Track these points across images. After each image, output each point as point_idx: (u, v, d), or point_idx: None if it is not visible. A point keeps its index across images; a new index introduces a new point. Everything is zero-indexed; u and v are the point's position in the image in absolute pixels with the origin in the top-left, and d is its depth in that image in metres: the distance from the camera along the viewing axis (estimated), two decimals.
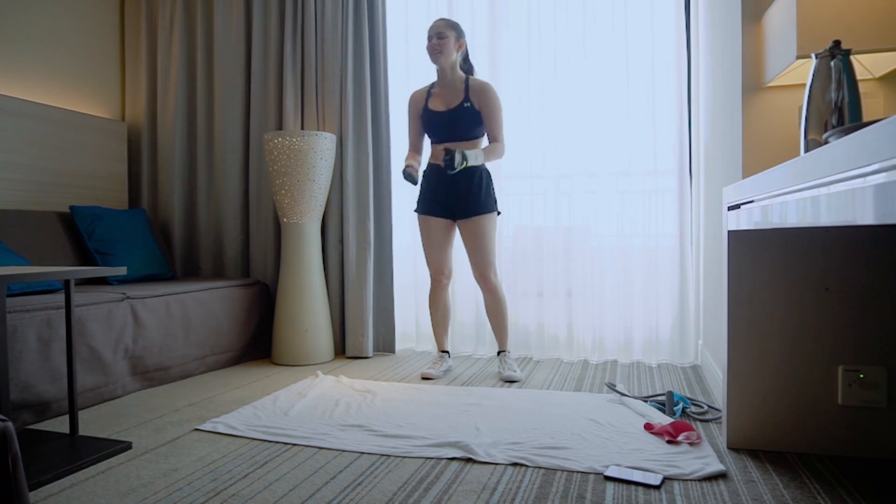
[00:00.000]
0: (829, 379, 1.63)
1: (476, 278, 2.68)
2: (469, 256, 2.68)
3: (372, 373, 2.73)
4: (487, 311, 2.72)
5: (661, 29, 2.91)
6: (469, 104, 2.61)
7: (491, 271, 2.65)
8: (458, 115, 2.61)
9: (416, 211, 2.74)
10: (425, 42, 2.68)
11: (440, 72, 2.67)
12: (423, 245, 2.74)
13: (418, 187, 2.87)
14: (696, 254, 2.92)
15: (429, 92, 2.72)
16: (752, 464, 1.59)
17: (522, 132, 3.07)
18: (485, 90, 2.62)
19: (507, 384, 2.50)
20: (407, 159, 2.74)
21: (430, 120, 2.66)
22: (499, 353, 2.72)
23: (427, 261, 2.74)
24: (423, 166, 2.79)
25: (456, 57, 2.65)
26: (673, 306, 2.90)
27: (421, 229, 2.73)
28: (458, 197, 2.63)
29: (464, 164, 2.44)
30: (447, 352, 2.80)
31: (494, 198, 2.67)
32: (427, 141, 2.80)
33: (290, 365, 2.91)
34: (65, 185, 3.05)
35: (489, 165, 2.71)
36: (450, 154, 2.41)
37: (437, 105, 2.67)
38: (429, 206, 2.70)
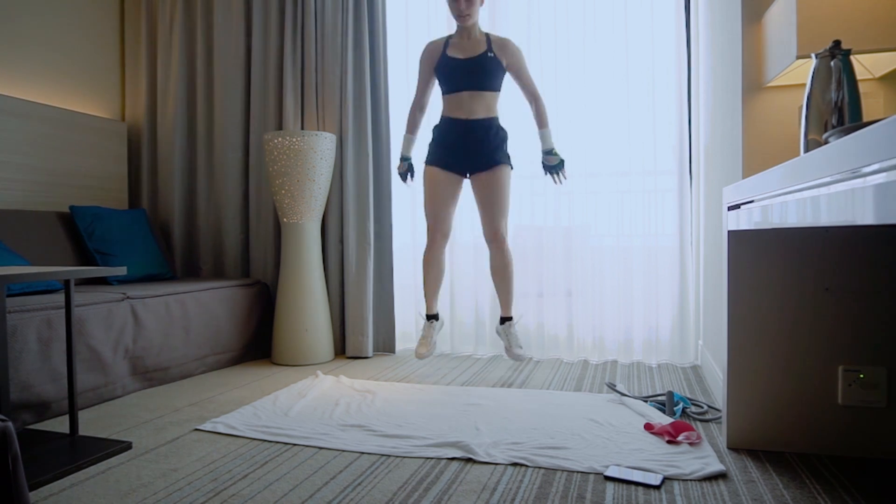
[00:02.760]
0: (829, 379, 1.63)
1: (487, 237, 2.59)
2: (482, 211, 2.59)
3: (372, 373, 2.73)
4: (494, 272, 2.63)
5: (661, 29, 2.91)
6: (493, 54, 2.55)
7: (504, 227, 2.58)
8: (480, 63, 2.53)
9: (425, 162, 2.65)
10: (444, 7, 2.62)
11: (461, 27, 2.60)
12: (426, 198, 2.62)
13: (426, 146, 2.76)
14: (696, 254, 2.92)
15: (446, 42, 2.63)
16: (752, 464, 1.59)
17: (522, 132, 3.07)
18: (507, 44, 2.58)
19: (507, 384, 2.49)
20: (407, 130, 2.69)
21: (448, 67, 2.56)
22: (502, 321, 2.66)
23: (427, 214, 2.62)
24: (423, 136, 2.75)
25: (479, 14, 2.60)
26: (673, 306, 2.90)
27: (426, 181, 2.62)
28: (473, 150, 2.56)
29: (553, 157, 2.60)
30: (435, 316, 2.71)
31: (509, 154, 2.62)
32: (438, 96, 2.70)
33: (290, 365, 2.91)
34: (65, 185, 3.05)
35: (504, 122, 2.65)
36: (556, 165, 2.60)
37: (456, 52, 2.58)
38: (440, 158, 2.60)
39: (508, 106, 3.08)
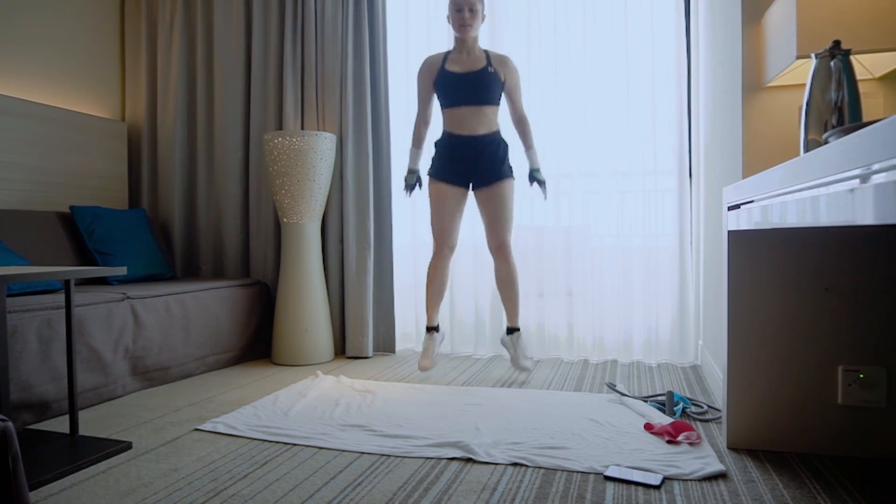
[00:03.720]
0: (829, 379, 1.63)
1: (492, 248, 2.60)
2: (487, 224, 2.60)
3: (372, 373, 2.73)
4: (500, 283, 2.63)
5: (661, 29, 2.91)
6: (493, 70, 2.55)
7: (509, 239, 2.59)
8: (480, 78, 2.53)
9: (429, 174, 2.65)
10: (446, 14, 2.60)
11: (460, 42, 2.59)
12: (433, 212, 2.62)
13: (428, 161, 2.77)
14: (696, 254, 2.92)
15: (445, 57, 2.62)
16: (752, 464, 1.59)
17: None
18: (507, 61, 2.60)
19: (508, 384, 2.49)
20: (413, 145, 2.68)
21: (448, 81, 2.56)
22: (509, 331, 2.65)
23: (433, 228, 2.61)
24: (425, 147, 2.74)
25: (479, 29, 2.60)
26: (673, 306, 2.90)
27: (432, 196, 2.62)
28: (477, 165, 2.57)
29: (540, 174, 2.65)
30: (436, 328, 2.70)
31: (511, 167, 2.63)
32: (437, 109, 2.71)
33: (290, 365, 2.91)
34: (65, 185, 3.05)
35: (506, 135, 2.65)
36: (542, 183, 2.64)
37: (455, 67, 2.58)
38: (444, 172, 2.60)
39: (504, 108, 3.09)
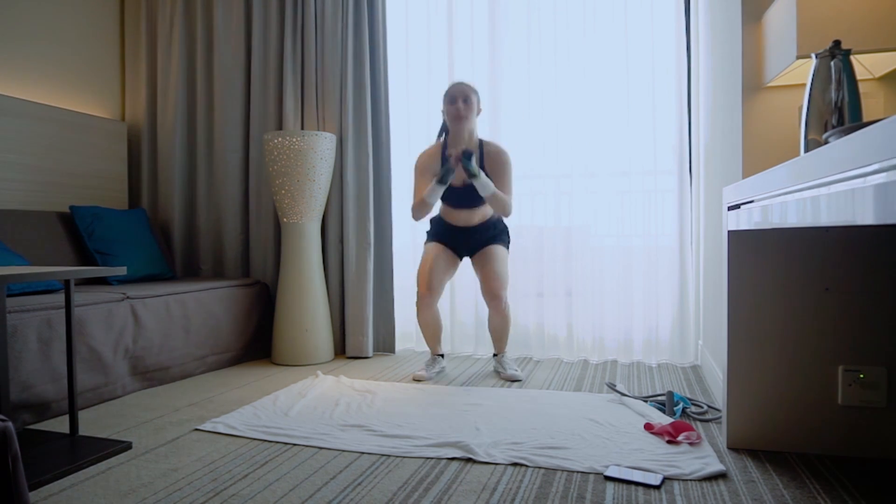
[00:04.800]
0: (829, 379, 1.63)
1: (487, 299, 2.59)
2: (482, 280, 2.61)
3: (372, 373, 2.73)
4: (491, 328, 2.67)
5: (661, 29, 2.90)
6: (486, 173, 2.59)
7: (505, 292, 2.59)
8: (474, 189, 2.57)
9: (427, 238, 2.74)
10: (441, 103, 2.63)
11: (456, 133, 2.60)
12: (422, 265, 2.63)
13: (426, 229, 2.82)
14: (696, 254, 2.92)
15: (443, 154, 2.64)
16: (752, 464, 1.59)
17: (523, 132, 3.07)
18: (498, 156, 2.61)
19: (508, 384, 2.49)
20: (425, 198, 2.62)
21: (445, 190, 2.61)
22: (495, 355, 2.72)
23: (420, 278, 2.62)
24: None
25: (475, 121, 2.63)
26: (673, 306, 2.90)
27: (426, 251, 2.69)
28: (473, 241, 2.67)
29: (473, 168, 2.46)
30: (441, 355, 2.75)
31: (508, 240, 2.73)
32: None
33: (290, 365, 2.91)
34: (65, 185, 3.05)
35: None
36: (466, 156, 2.45)
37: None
38: (440, 238, 2.70)
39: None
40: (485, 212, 2.68)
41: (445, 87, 2.65)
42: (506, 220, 2.79)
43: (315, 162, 2.92)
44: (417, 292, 2.64)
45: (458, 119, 2.56)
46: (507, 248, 2.71)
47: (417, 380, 2.58)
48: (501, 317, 2.63)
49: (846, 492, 1.41)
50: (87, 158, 3.16)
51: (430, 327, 2.68)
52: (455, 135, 2.61)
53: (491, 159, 2.61)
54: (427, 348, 3.05)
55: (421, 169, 2.66)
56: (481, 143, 2.64)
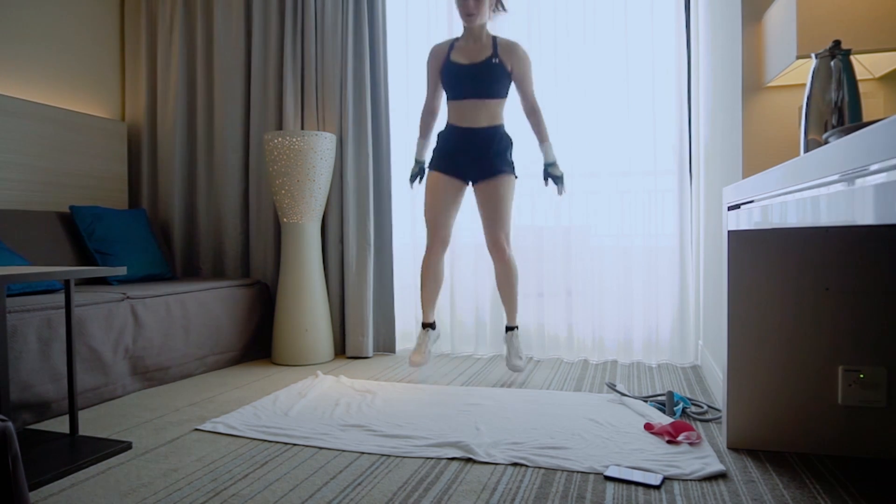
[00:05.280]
0: (829, 379, 1.63)
1: (489, 246, 2.55)
2: (483, 221, 2.55)
3: (372, 373, 2.73)
4: (499, 284, 2.60)
5: (661, 29, 2.90)
6: (498, 60, 2.49)
7: (505, 238, 2.54)
8: (484, 70, 2.48)
9: (428, 167, 2.63)
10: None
11: (467, 29, 2.54)
12: (426, 203, 2.58)
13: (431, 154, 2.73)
14: (696, 254, 2.92)
15: (451, 45, 2.58)
16: (752, 464, 1.59)
17: (523, 132, 3.07)
18: (515, 48, 2.52)
19: (508, 384, 2.49)
20: (420, 135, 2.66)
21: (452, 72, 2.52)
22: (507, 329, 2.64)
23: (426, 219, 2.57)
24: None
25: (488, 16, 2.53)
26: (673, 306, 2.90)
27: (428, 187, 2.58)
28: (476, 158, 2.53)
29: (556, 168, 2.58)
30: (432, 325, 2.68)
31: (513, 163, 2.59)
32: (444, 99, 2.67)
33: (290, 365, 2.91)
34: (65, 185, 3.05)
35: (511, 131, 2.63)
36: (559, 177, 2.58)
37: (460, 58, 2.52)
38: (443, 164, 2.56)
39: (508, 105, 3.08)
40: (494, 113, 2.54)
41: None
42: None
43: (315, 162, 2.92)
44: (426, 234, 2.60)
45: (469, 16, 2.48)
46: (514, 173, 2.58)
47: (415, 364, 2.56)
48: (504, 266, 2.55)
49: (846, 492, 1.41)
50: (86, 158, 3.16)
51: (430, 279, 2.60)
52: (467, 31, 2.55)
53: (508, 55, 2.51)
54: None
55: (430, 65, 2.64)
56: (495, 40, 2.54)
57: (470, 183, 2.61)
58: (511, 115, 2.98)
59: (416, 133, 2.75)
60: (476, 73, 2.49)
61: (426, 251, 2.61)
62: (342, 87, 3.12)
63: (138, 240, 3.01)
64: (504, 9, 2.59)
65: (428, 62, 2.65)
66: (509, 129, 2.65)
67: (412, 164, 2.73)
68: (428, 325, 2.68)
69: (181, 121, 3.39)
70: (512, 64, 2.53)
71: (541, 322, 3.05)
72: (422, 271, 2.63)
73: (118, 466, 1.61)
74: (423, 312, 2.68)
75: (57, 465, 1.56)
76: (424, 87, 2.72)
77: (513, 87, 2.62)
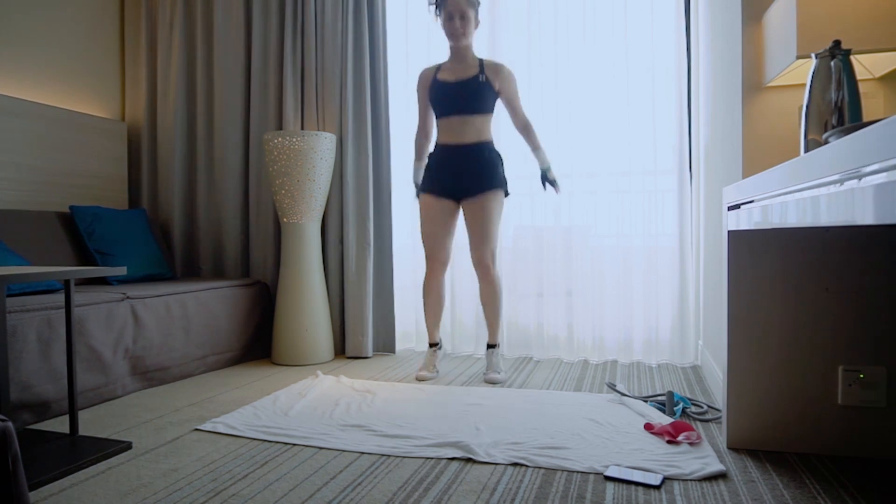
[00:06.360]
0: (829, 379, 1.63)
1: (474, 264, 2.57)
2: (469, 239, 2.57)
3: (372, 373, 2.73)
4: (482, 300, 2.62)
5: (661, 29, 2.91)
6: (484, 78, 2.52)
7: (489, 256, 2.54)
8: (470, 86, 2.51)
9: (420, 190, 2.66)
10: (438, 19, 2.57)
11: (455, 49, 2.58)
12: (422, 226, 2.63)
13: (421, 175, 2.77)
14: (696, 254, 2.92)
15: (438, 68, 2.63)
16: (752, 464, 1.59)
17: (517, 136, 3.07)
18: (500, 68, 2.57)
19: (507, 384, 2.49)
20: (415, 157, 2.71)
21: (439, 90, 2.56)
22: (488, 346, 2.66)
23: (423, 243, 2.62)
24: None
25: (474, 36, 2.57)
26: (673, 306, 2.90)
27: (421, 209, 2.63)
28: (465, 176, 2.54)
29: (551, 172, 2.62)
30: (437, 344, 2.72)
31: (504, 177, 2.59)
32: (434, 121, 2.70)
33: (290, 365, 2.91)
34: (65, 185, 3.05)
35: (501, 146, 2.65)
36: (554, 182, 2.61)
37: (447, 76, 2.57)
38: (433, 185, 2.60)
39: (501, 120, 3.08)
40: (480, 129, 2.56)
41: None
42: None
43: (315, 162, 2.92)
44: (425, 256, 2.65)
45: (456, 36, 2.52)
46: (503, 188, 2.58)
47: (421, 380, 2.57)
48: (489, 285, 2.57)
49: (846, 492, 1.41)
50: (86, 158, 3.16)
51: (432, 300, 2.66)
52: (454, 53, 2.59)
53: (494, 74, 2.55)
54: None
55: (419, 88, 2.68)
56: (481, 61, 2.58)
57: (460, 200, 2.63)
58: (501, 128, 2.99)
59: (416, 133, 2.75)
60: (462, 89, 2.54)
61: (426, 274, 2.65)
62: (342, 87, 3.12)
63: (138, 240, 3.01)
64: (478, 23, 2.64)
65: (417, 86, 2.70)
66: (508, 130, 2.65)
67: (412, 186, 2.78)
68: (434, 345, 2.72)
69: (181, 121, 3.39)
70: (499, 83, 2.57)
71: (541, 322, 3.05)
72: (424, 295, 2.68)
73: (118, 466, 1.61)
74: (429, 333, 2.73)
75: (57, 465, 1.56)
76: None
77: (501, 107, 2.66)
